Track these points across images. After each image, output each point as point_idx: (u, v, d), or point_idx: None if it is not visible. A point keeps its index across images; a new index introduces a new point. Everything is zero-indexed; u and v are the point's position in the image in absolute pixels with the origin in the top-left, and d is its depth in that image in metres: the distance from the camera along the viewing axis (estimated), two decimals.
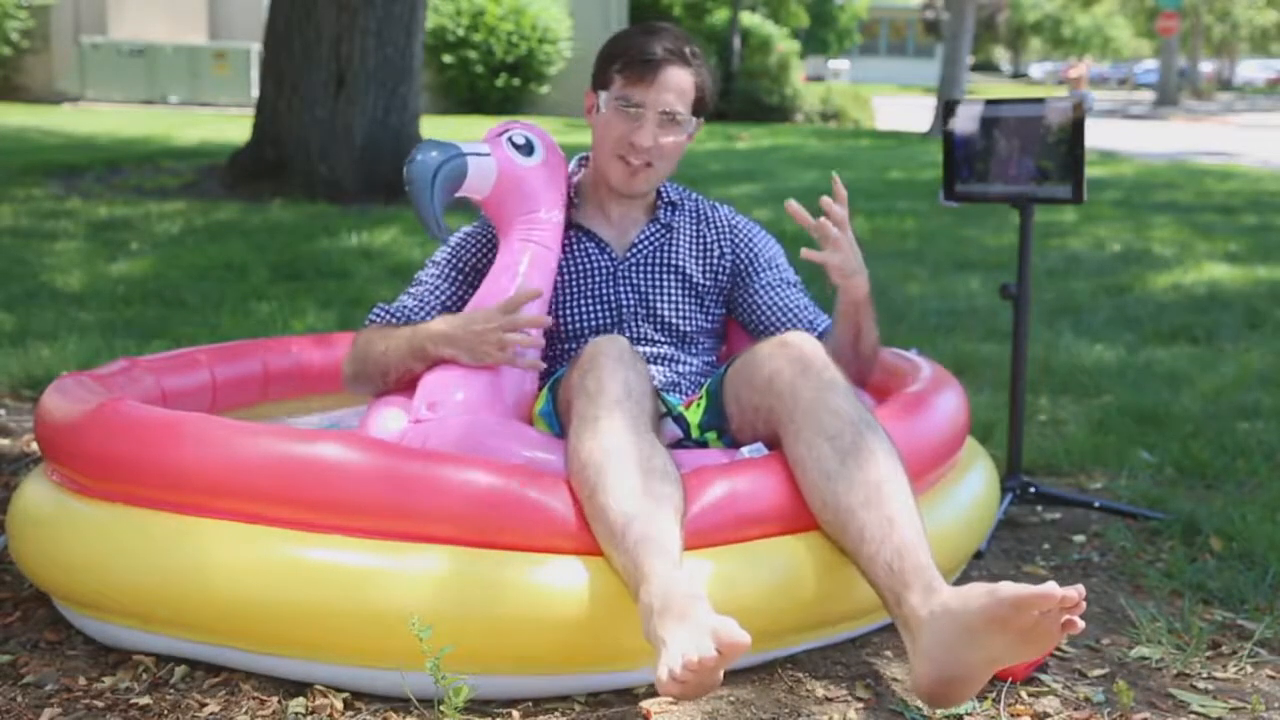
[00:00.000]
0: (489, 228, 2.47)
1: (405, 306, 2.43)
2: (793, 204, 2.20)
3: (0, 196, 8.15)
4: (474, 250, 2.47)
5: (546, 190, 2.37)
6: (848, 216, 2.21)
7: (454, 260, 2.47)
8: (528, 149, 2.36)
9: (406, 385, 2.32)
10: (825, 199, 2.19)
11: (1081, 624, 1.67)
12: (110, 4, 19.28)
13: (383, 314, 2.45)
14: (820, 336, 2.40)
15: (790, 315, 2.45)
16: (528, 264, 2.33)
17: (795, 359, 2.07)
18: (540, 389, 2.34)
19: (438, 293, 2.44)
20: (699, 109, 2.40)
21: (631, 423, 1.95)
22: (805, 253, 2.19)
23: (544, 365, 2.32)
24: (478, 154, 2.29)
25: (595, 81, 2.41)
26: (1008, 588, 1.69)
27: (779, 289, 2.48)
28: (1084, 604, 1.66)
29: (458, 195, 2.29)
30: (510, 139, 2.36)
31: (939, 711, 1.88)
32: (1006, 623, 1.69)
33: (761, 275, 2.49)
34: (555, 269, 2.38)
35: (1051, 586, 1.65)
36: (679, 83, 2.34)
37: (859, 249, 2.24)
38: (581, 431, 1.95)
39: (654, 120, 2.33)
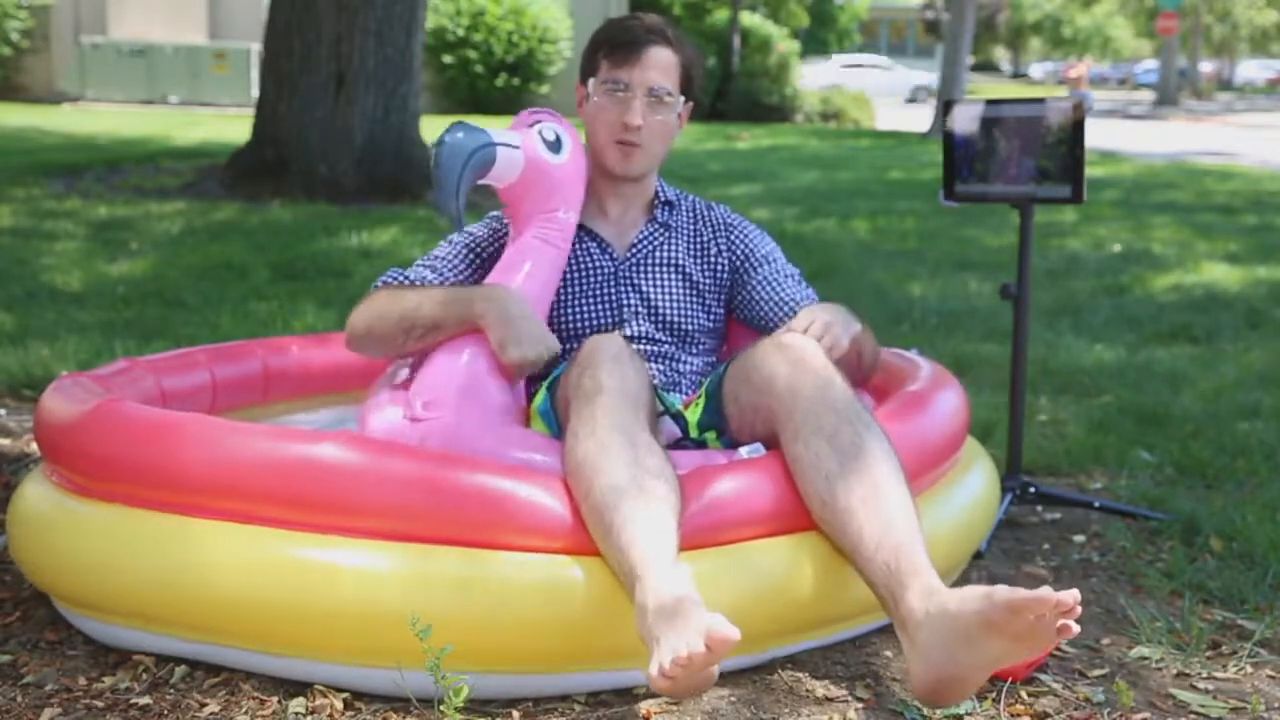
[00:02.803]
0: (505, 224, 2.47)
1: (422, 277, 2.41)
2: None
3: (0, 196, 8.15)
4: (492, 242, 2.48)
5: (567, 190, 2.37)
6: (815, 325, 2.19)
7: (473, 246, 2.47)
8: (556, 145, 2.35)
9: (414, 360, 2.31)
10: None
11: (1077, 628, 1.67)
12: (110, 4, 19.28)
13: (399, 278, 2.42)
14: None
15: (791, 308, 2.45)
16: (534, 262, 2.32)
17: (793, 359, 2.07)
18: (538, 387, 2.34)
19: (455, 270, 2.44)
20: (686, 88, 2.42)
21: (628, 422, 1.95)
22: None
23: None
24: (508, 145, 2.29)
25: (583, 73, 2.44)
26: (1003, 592, 1.69)
27: (777, 282, 2.48)
28: (1079, 608, 1.65)
29: (481, 182, 2.29)
30: (540, 132, 2.35)
31: (939, 712, 1.88)
32: (1002, 626, 1.69)
33: (759, 270, 2.50)
34: (563, 270, 2.39)
35: (1046, 591, 1.65)
36: (663, 60, 2.38)
37: (832, 311, 2.24)
38: (578, 430, 1.95)
39: (642, 98, 2.36)
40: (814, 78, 29.64)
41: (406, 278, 2.42)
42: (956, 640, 1.72)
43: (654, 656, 1.66)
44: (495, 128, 2.32)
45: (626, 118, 2.36)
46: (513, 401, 2.26)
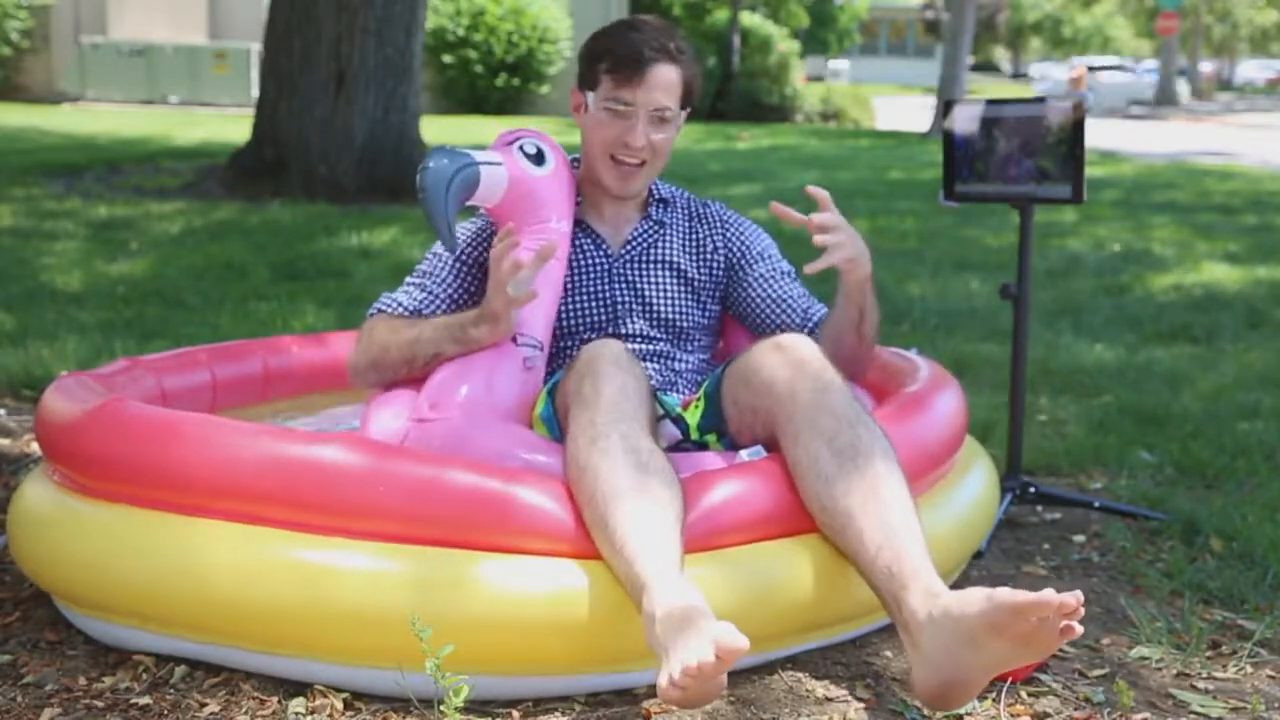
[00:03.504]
0: (486, 221, 2.46)
1: (414, 298, 2.41)
2: (778, 205, 2.20)
3: (0, 196, 8.15)
4: (478, 244, 2.46)
5: (556, 199, 2.36)
6: (835, 211, 2.21)
7: (460, 255, 2.45)
8: (539, 158, 2.35)
9: (417, 380, 2.32)
10: (815, 200, 2.20)
11: (1080, 629, 1.67)
12: (110, 4, 19.28)
13: (393, 305, 2.42)
14: (816, 325, 2.41)
15: (785, 306, 2.45)
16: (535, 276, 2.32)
17: (792, 361, 2.07)
18: (540, 392, 2.33)
19: (445, 285, 2.42)
20: (686, 101, 2.40)
21: (628, 427, 1.94)
22: (810, 267, 2.18)
23: (555, 249, 2.24)
24: (490, 163, 2.27)
25: (582, 81, 2.40)
26: (1005, 594, 1.68)
27: (773, 281, 2.48)
28: (1082, 609, 1.65)
29: (469, 204, 2.28)
30: (521, 148, 2.34)
31: (939, 713, 1.88)
32: (1004, 629, 1.69)
33: (755, 268, 2.49)
34: (562, 278, 2.38)
35: (1049, 594, 1.65)
36: (667, 80, 2.34)
37: (855, 230, 2.24)
38: (579, 438, 1.94)
39: (645, 120, 2.33)
40: (1056, 73, 29.42)
41: (398, 302, 2.41)
42: (959, 643, 1.72)
43: (664, 667, 1.65)
44: (478, 151, 2.30)
45: (629, 139, 2.33)
46: (519, 403, 2.26)
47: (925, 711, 1.88)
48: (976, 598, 1.71)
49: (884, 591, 1.86)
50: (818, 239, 2.17)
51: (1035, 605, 1.65)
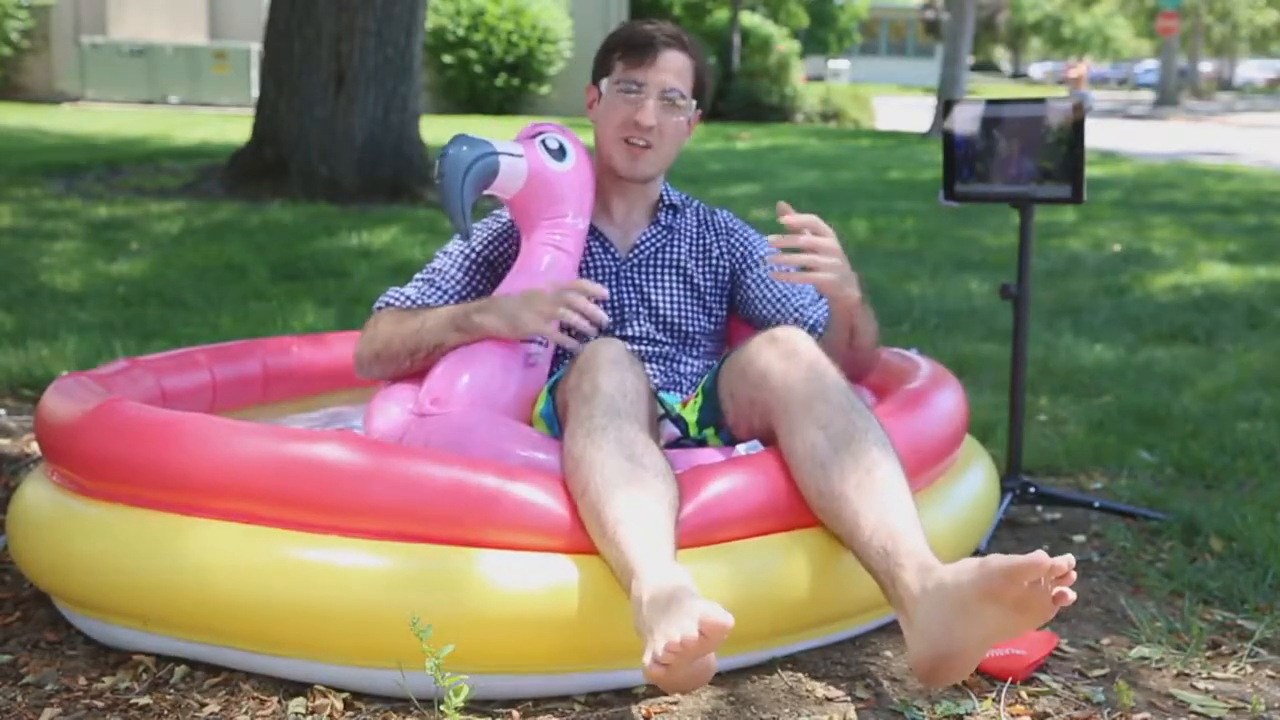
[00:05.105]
0: (503, 222, 2.48)
1: (422, 293, 2.43)
2: (786, 209, 2.21)
3: (0, 196, 8.15)
4: (490, 242, 2.48)
5: (575, 196, 2.37)
6: (831, 235, 2.20)
7: (470, 254, 2.47)
8: (560, 153, 2.36)
9: (420, 375, 2.32)
10: (803, 231, 2.20)
11: (1073, 595, 1.67)
12: (110, 4, 19.29)
13: (400, 298, 2.44)
14: (816, 324, 2.42)
15: (785, 302, 2.46)
16: (547, 267, 2.33)
17: (787, 353, 2.08)
18: (541, 389, 2.34)
19: (454, 282, 2.44)
20: (698, 93, 2.44)
21: (625, 422, 1.95)
22: (780, 275, 2.20)
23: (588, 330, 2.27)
24: (510, 154, 2.29)
25: (596, 73, 2.45)
26: (997, 559, 1.69)
27: (774, 281, 2.49)
28: (1074, 574, 1.66)
29: (486, 193, 2.29)
30: (544, 142, 2.36)
31: (939, 710, 1.88)
32: (998, 594, 1.69)
33: (755, 270, 2.52)
34: (575, 274, 2.39)
35: (1040, 555, 1.65)
36: (677, 64, 2.39)
37: (845, 256, 2.24)
38: (576, 432, 1.95)
39: (655, 99, 2.37)
40: None
41: (407, 296, 2.43)
42: (954, 613, 1.73)
43: (648, 646, 1.65)
44: (499, 138, 2.32)
45: (639, 117, 2.36)
46: (519, 399, 2.26)
47: (925, 712, 1.89)
48: (969, 566, 1.73)
49: (879, 571, 1.86)
50: (805, 242, 2.17)
51: (1027, 567, 1.66)
